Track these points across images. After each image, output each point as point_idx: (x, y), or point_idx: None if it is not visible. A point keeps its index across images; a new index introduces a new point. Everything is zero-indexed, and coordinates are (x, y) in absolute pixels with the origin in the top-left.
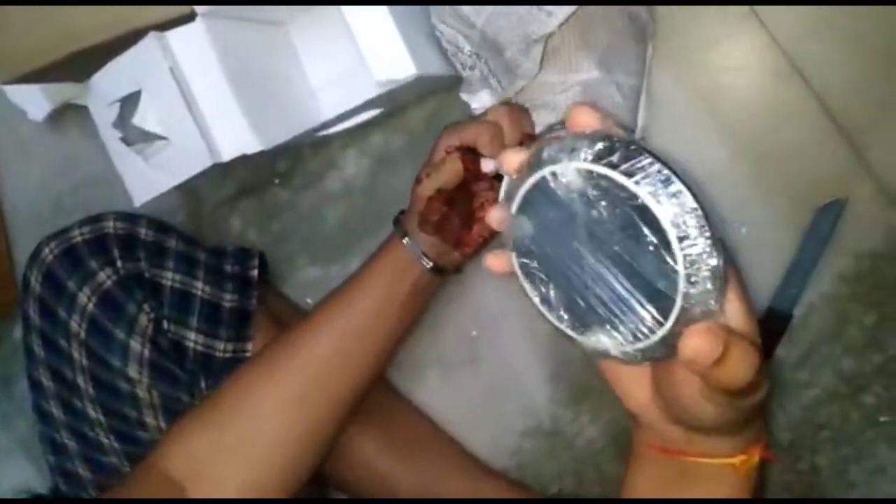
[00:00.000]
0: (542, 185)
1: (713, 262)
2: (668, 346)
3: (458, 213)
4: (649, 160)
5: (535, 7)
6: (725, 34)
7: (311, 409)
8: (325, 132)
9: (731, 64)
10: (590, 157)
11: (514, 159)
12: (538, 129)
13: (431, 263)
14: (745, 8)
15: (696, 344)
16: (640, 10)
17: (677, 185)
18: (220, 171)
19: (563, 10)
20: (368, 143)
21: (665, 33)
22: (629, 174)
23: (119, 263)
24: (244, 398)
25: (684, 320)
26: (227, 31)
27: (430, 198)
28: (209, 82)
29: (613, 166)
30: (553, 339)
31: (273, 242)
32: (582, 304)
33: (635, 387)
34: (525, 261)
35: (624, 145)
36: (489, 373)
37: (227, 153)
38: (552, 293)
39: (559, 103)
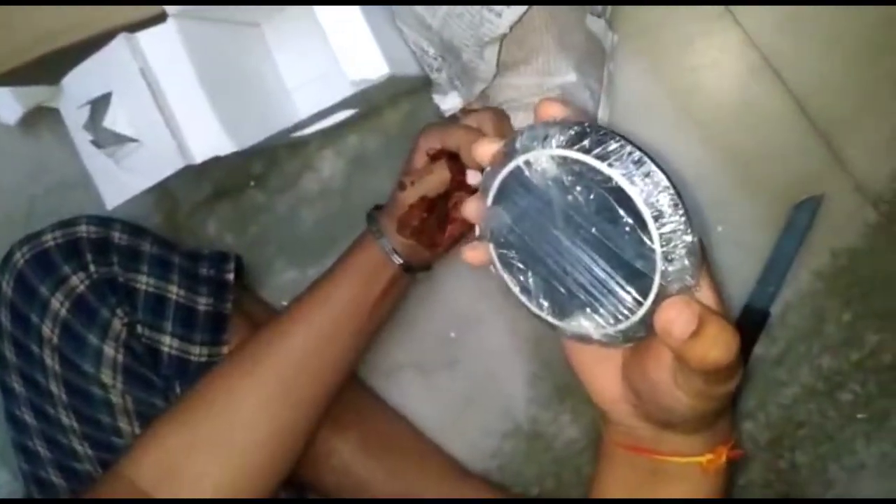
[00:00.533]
0: (516, 174)
1: (688, 238)
2: (648, 325)
3: (435, 217)
4: (620, 143)
5: (484, 8)
6: (699, 32)
7: (287, 408)
8: (300, 133)
9: (706, 62)
10: (562, 143)
11: (487, 150)
12: (517, 126)
13: (402, 262)
14: (720, 6)
15: (671, 316)
16: (598, 30)
17: (649, 166)
18: (194, 174)
19: (513, 11)
20: (344, 144)
21: (638, 32)
22: (602, 157)
23: (92, 268)
24: (219, 397)
25: (663, 298)
26: (199, 32)
27: (412, 205)
28: (181, 83)
29: (586, 151)
30: (532, 341)
31: (250, 245)
32: (562, 290)
33: (607, 382)
34: (503, 251)
35: (595, 130)
36: (468, 375)
37: (200, 155)
38: (531, 281)
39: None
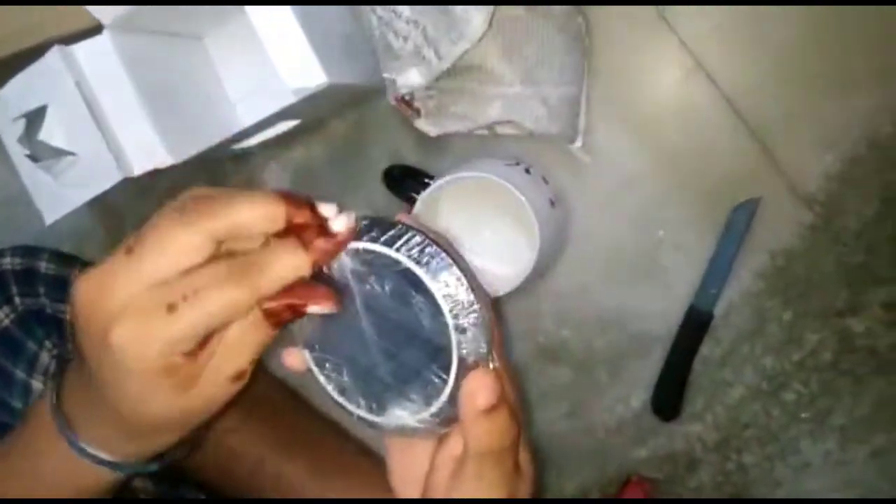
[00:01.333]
0: (317, 275)
1: (476, 307)
2: (457, 403)
3: None
4: (406, 230)
5: None
6: (633, 38)
7: None
8: (244, 145)
9: (640, 68)
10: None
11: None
12: (455, 131)
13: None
14: (654, 13)
15: (473, 387)
16: (570, 20)
17: (433, 248)
18: (139, 189)
19: None
20: (290, 157)
21: None
22: (389, 243)
23: (17, 301)
24: None
25: (465, 371)
26: (137, 44)
27: None
28: (118, 96)
29: (375, 240)
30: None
31: None
32: (375, 384)
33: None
34: (317, 355)
35: (380, 221)
36: None
37: (138, 167)
38: (347, 381)
39: (477, 114)
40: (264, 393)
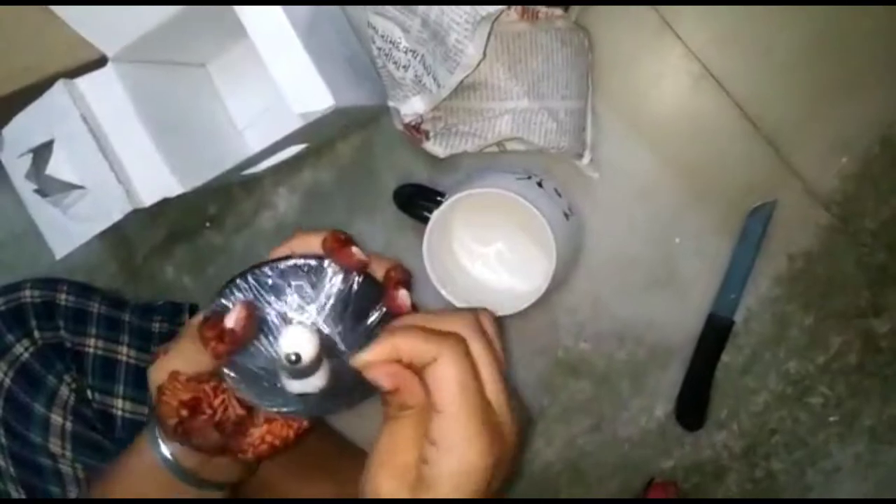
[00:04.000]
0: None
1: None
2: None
3: (209, 411)
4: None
5: None
6: (641, 47)
7: None
8: (252, 171)
9: (647, 78)
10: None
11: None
12: (464, 150)
13: (190, 478)
14: (658, 21)
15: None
16: (572, 34)
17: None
18: (148, 218)
19: None
20: (299, 180)
21: None
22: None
23: (37, 334)
24: None
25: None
26: (141, 74)
27: (160, 387)
28: (124, 127)
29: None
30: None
31: (209, 288)
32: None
33: None
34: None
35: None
36: None
37: (148, 198)
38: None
39: (485, 131)
40: None
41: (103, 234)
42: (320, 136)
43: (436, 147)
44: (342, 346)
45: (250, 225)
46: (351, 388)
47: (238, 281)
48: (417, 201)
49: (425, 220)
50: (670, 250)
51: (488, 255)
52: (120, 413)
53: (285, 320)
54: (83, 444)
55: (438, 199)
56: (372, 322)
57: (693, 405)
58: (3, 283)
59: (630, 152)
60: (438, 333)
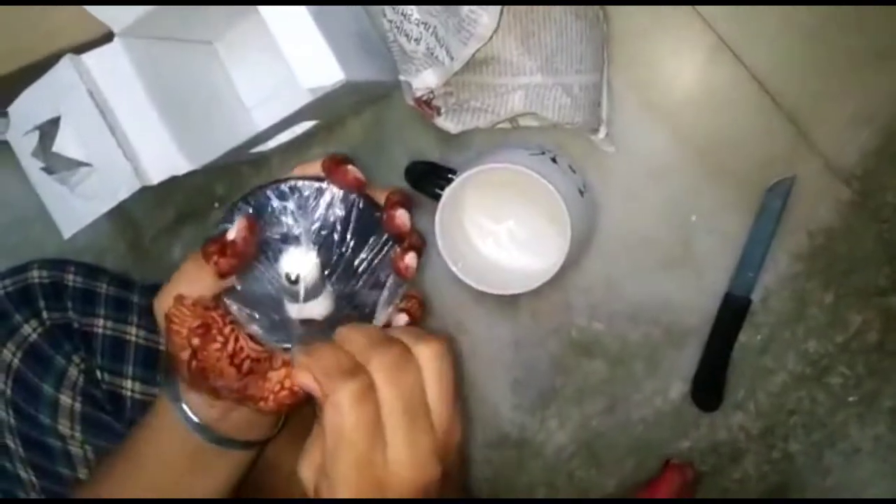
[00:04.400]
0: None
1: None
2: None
3: (221, 346)
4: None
5: None
6: (657, 20)
7: None
8: (261, 148)
9: (664, 52)
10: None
11: None
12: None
13: (206, 432)
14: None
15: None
16: (587, 7)
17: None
18: (156, 199)
19: None
20: (309, 157)
21: None
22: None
23: (45, 315)
24: None
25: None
26: (148, 50)
27: (167, 315)
28: (131, 103)
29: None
30: (513, 346)
31: None
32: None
33: None
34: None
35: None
36: None
37: (156, 176)
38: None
39: (498, 106)
40: None
41: (111, 216)
42: (330, 113)
43: (447, 123)
44: (342, 270)
45: None
46: (352, 318)
47: (240, 203)
48: (429, 178)
49: (437, 198)
50: (686, 228)
51: (500, 232)
52: (129, 394)
53: (287, 242)
54: (92, 426)
55: (450, 176)
56: (373, 244)
57: (709, 386)
58: (11, 265)
59: (645, 128)
60: (341, 369)
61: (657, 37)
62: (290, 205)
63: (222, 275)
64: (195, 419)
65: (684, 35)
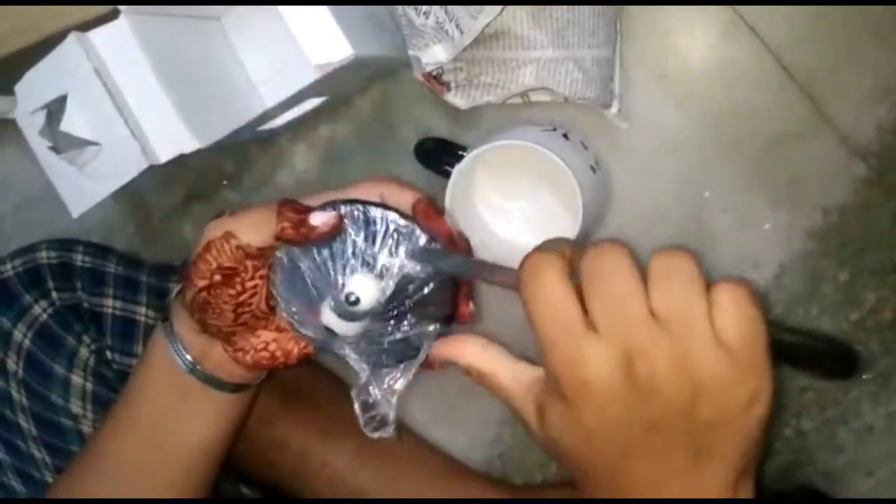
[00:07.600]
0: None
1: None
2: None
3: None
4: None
5: None
6: None
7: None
8: (269, 126)
9: (678, 25)
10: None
11: None
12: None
13: (191, 365)
14: None
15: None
16: None
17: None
18: (165, 178)
19: None
20: (317, 136)
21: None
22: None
23: (55, 295)
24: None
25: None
26: (154, 27)
27: (204, 249)
28: (138, 81)
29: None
30: (522, 326)
31: None
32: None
33: None
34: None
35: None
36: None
37: (164, 154)
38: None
39: (508, 81)
40: (304, 381)
41: (120, 196)
42: (338, 90)
43: (457, 99)
44: (387, 317)
45: (268, 183)
46: (367, 351)
47: (342, 205)
48: (439, 156)
49: (447, 175)
50: (700, 204)
51: (512, 210)
52: None
53: (359, 258)
54: (104, 406)
55: (461, 153)
56: (426, 322)
57: None
58: (19, 245)
59: (658, 103)
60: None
61: (671, 10)
62: (377, 232)
63: (280, 240)
64: (187, 356)
65: (699, 8)
